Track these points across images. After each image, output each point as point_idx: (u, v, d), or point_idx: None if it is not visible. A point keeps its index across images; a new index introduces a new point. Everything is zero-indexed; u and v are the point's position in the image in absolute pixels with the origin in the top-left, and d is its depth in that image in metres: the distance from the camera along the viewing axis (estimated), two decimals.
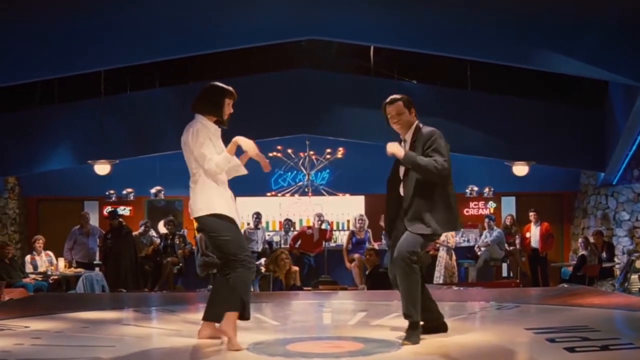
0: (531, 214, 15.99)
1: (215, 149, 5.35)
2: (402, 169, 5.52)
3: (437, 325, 5.68)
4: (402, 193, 5.48)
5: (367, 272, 11.51)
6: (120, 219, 14.97)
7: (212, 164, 5.24)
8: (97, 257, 15.32)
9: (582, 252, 14.47)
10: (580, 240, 15.00)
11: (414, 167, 5.34)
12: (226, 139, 5.45)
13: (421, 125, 5.57)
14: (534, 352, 5.13)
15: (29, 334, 5.82)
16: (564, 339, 5.25)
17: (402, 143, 5.59)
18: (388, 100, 5.62)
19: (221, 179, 5.38)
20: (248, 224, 15.05)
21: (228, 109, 5.43)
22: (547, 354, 4.92)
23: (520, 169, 14.96)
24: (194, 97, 5.48)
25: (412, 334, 5.28)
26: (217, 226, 5.28)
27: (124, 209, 17.12)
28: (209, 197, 5.30)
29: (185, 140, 5.36)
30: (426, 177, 5.33)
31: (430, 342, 5.36)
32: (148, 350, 5.27)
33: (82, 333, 6.00)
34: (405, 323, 5.44)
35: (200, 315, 5.58)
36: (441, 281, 13.79)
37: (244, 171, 5.55)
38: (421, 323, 5.43)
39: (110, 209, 16.07)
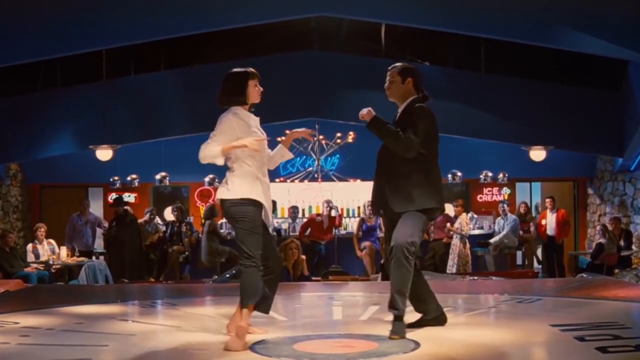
0: (547, 200, 15.67)
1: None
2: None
3: (435, 317, 5.46)
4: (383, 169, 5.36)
5: (382, 262, 11.14)
6: (126, 207, 14.64)
7: (202, 151, 5.10)
8: (101, 246, 15.04)
9: (599, 240, 14.08)
10: (598, 227, 14.62)
11: (379, 133, 5.21)
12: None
13: (417, 101, 5.36)
14: (564, 352, 4.73)
15: (17, 332, 5.49)
16: (593, 337, 4.90)
17: (396, 114, 5.44)
18: (391, 66, 5.46)
19: (257, 166, 5.16)
20: None
21: (254, 90, 5.25)
22: (578, 355, 4.56)
23: (538, 154, 14.58)
24: (219, 88, 5.25)
25: (399, 327, 5.06)
26: (240, 211, 5.04)
27: (129, 196, 16.80)
28: (240, 182, 5.09)
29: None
30: (390, 146, 5.22)
31: (450, 341, 5.01)
32: (143, 350, 4.88)
33: (75, 330, 5.65)
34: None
35: (203, 309, 5.19)
36: (454, 270, 13.47)
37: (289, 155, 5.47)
38: (419, 315, 5.42)
39: (115, 196, 15.71)
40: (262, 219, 5.12)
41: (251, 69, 5.29)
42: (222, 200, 5.11)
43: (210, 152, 5.06)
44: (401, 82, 5.35)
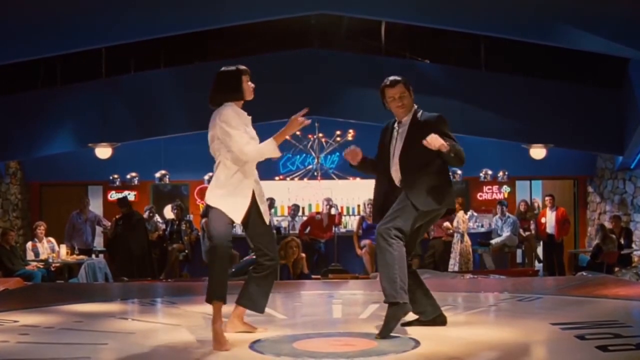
0: (547, 198, 15.65)
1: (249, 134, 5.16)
2: (396, 148, 5.41)
3: (433, 319, 5.41)
4: (395, 171, 5.37)
5: None
6: (131, 206, 14.60)
7: (245, 151, 5.00)
8: (101, 245, 14.99)
9: (597, 241, 14.06)
10: (596, 227, 14.60)
11: (457, 155, 5.12)
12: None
13: (419, 109, 5.44)
14: (564, 351, 4.72)
15: (17, 330, 5.48)
16: (594, 336, 4.90)
17: (397, 125, 5.45)
18: (388, 82, 5.43)
19: (246, 168, 5.11)
20: None
21: (248, 86, 5.23)
22: (579, 353, 4.55)
23: (538, 152, 14.56)
24: (210, 88, 5.24)
25: (389, 321, 5.00)
26: (213, 217, 5.03)
27: (129, 194, 16.76)
28: (221, 190, 5.04)
29: (213, 125, 5.11)
30: (454, 164, 5.26)
31: (450, 339, 4.99)
32: (143, 348, 4.87)
33: (75, 329, 5.63)
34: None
35: (203, 308, 5.20)
36: (456, 268, 13.44)
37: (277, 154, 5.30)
38: (416, 317, 5.36)
39: (120, 196, 15.67)
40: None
41: (242, 66, 5.25)
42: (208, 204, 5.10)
43: (267, 149, 5.06)
44: (409, 95, 5.38)
